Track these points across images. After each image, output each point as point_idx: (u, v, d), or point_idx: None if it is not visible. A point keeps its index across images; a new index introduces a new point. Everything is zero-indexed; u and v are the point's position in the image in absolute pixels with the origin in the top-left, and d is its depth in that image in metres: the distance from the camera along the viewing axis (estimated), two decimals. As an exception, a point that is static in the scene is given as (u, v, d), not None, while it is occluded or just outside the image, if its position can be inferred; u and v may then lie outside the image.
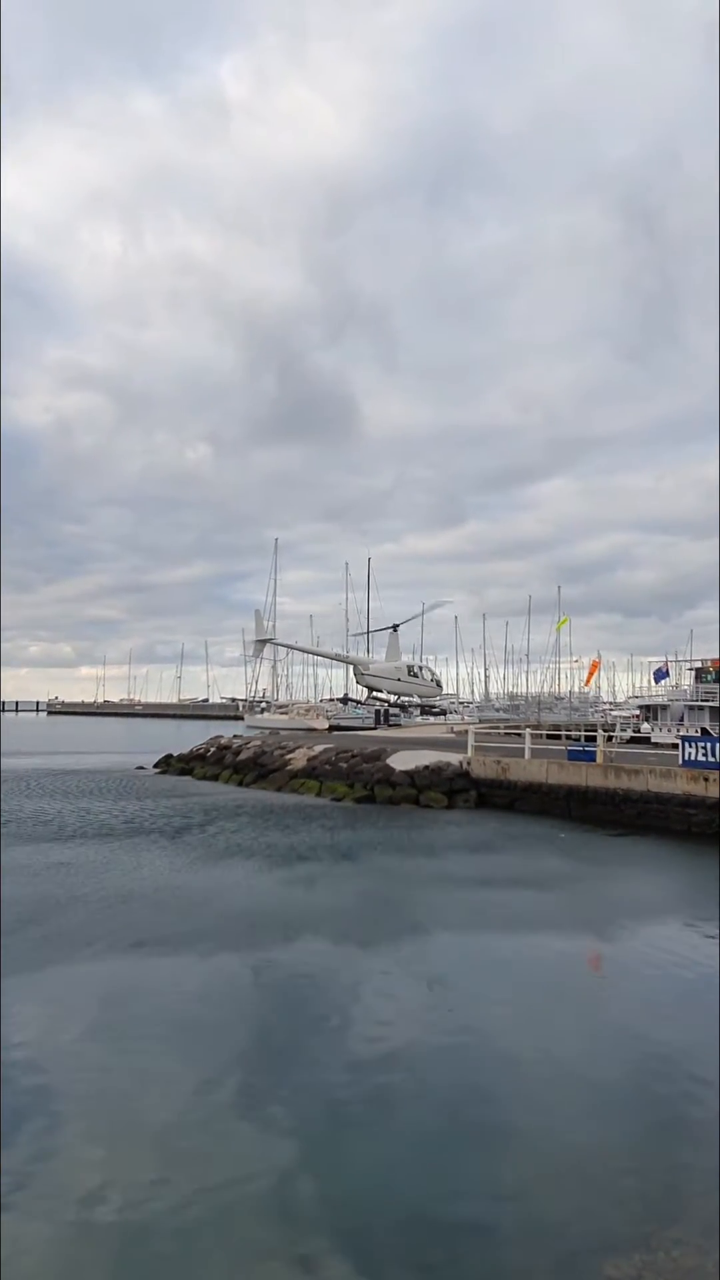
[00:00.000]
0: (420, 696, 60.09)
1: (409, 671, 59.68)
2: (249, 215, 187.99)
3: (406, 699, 59.73)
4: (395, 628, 61.83)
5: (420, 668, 62.05)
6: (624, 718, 57.29)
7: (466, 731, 33.07)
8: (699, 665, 52.32)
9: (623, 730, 45.61)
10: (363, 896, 14.76)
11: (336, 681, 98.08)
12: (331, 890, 15.12)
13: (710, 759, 21.71)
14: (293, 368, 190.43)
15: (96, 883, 15.22)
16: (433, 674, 64.24)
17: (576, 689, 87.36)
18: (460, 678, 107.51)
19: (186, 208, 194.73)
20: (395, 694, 58.13)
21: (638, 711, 54.28)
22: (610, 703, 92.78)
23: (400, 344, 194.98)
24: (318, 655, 66.95)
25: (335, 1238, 5.30)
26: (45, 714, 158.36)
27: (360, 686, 59.78)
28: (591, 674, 73.55)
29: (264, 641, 65.80)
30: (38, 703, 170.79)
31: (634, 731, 46.76)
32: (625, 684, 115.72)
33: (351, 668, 61.42)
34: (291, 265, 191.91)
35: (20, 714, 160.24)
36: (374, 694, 58.69)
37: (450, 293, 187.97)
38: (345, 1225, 5.43)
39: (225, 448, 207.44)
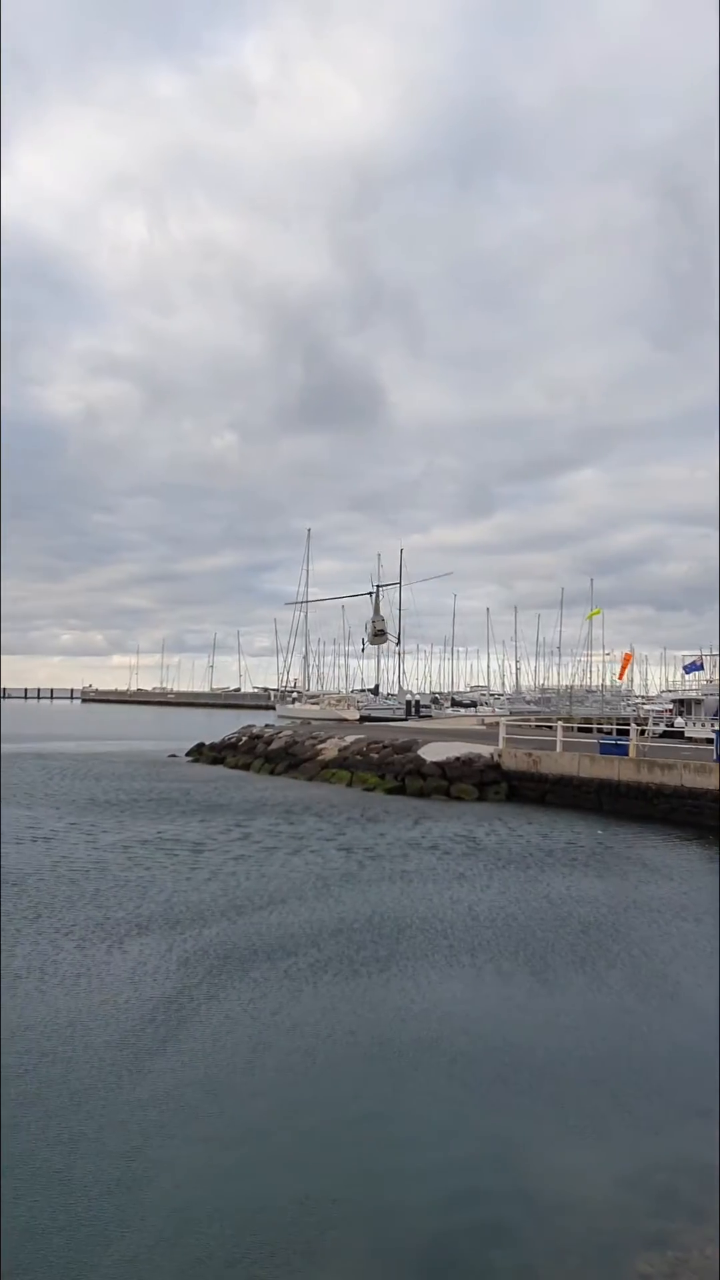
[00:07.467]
0: None
1: None
2: (274, 198, 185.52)
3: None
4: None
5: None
6: (657, 712, 56.63)
7: (497, 724, 32.97)
8: (733, 659, 51.71)
9: (655, 724, 45.11)
10: (376, 892, 14.81)
11: (368, 672, 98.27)
12: (344, 887, 15.18)
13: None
14: (319, 354, 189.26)
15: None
16: None
17: (608, 682, 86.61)
18: (491, 670, 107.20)
19: (210, 191, 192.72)
20: None
21: (670, 706, 53.66)
22: (643, 697, 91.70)
23: (428, 330, 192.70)
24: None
25: (357, 1236, 5.30)
26: (80, 701, 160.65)
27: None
28: (624, 667, 72.81)
29: (382, 632, 68.37)
30: (72, 690, 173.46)
31: (667, 726, 46.23)
32: (658, 678, 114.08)
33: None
34: (318, 249, 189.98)
35: (55, 702, 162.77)
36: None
37: (479, 277, 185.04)
38: (367, 1224, 5.44)
39: (252, 436, 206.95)
